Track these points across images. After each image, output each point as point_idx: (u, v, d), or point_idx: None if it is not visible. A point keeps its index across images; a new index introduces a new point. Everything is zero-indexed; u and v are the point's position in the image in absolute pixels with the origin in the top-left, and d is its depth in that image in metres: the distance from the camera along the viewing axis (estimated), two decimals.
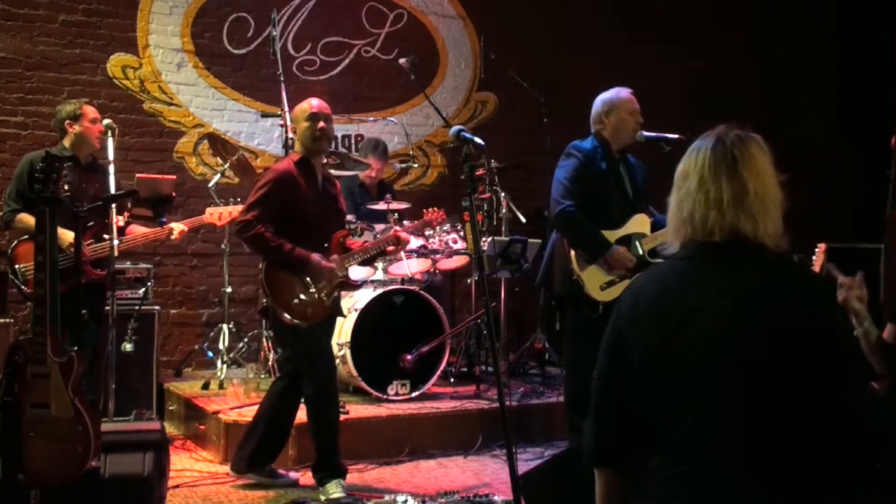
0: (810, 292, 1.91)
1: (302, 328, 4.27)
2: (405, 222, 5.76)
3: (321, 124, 4.36)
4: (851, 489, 1.78)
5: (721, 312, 1.84)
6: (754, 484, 1.76)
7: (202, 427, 5.33)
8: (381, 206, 5.79)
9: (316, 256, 4.29)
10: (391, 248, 4.71)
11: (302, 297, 4.28)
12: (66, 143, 4.98)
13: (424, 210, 5.49)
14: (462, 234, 5.77)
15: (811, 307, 1.86)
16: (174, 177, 6.05)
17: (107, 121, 4.85)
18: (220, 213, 5.37)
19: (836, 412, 1.80)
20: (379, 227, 5.67)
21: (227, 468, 4.81)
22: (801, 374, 1.78)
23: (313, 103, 4.42)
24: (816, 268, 5.57)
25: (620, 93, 4.57)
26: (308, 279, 4.28)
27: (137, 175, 5.91)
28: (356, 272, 5.35)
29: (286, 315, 4.27)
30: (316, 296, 4.30)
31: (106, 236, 4.53)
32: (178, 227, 5.07)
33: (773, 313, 1.83)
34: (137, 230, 5.04)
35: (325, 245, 4.41)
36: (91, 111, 5.01)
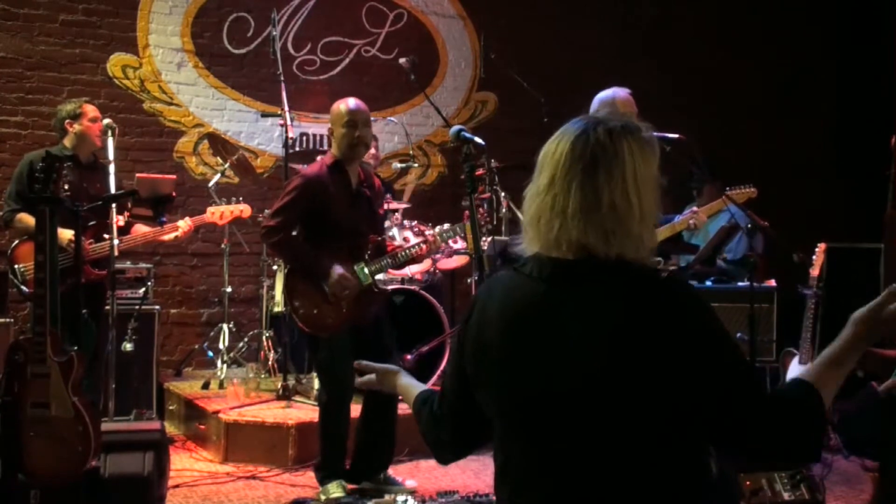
0: (678, 315, 1.59)
1: (322, 338, 4.25)
2: (405, 222, 5.76)
3: (358, 133, 4.24)
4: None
5: (577, 355, 1.59)
6: None
7: (202, 427, 5.33)
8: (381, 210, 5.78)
9: (338, 268, 4.19)
10: (422, 249, 4.56)
11: (321, 307, 4.22)
12: (67, 142, 4.98)
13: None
14: (462, 234, 5.77)
15: (682, 332, 1.57)
16: (174, 177, 6.05)
17: (107, 120, 4.85)
18: (222, 213, 5.37)
19: (732, 423, 1.58)
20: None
21: (227, 468, 4.81)
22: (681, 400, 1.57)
23: (351, 105, 4.27)
24: (816, 268, 5.58)
25: (618, 93, 4.54)
26: (327, 289, 4.20)
27: (137, 175, 5.91)
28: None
29: (303, 326, 4.25)
30: (335, 307, 4.22)
31: (106, 236, 4.53)
32: (184, 225, 5.06)
33: (636, 351, 1.56)
34: (141, 229, 5.04)
35: (360, 250, 4.31)
36: (91, 110, 5.00)
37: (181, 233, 5.07)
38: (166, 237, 5.06)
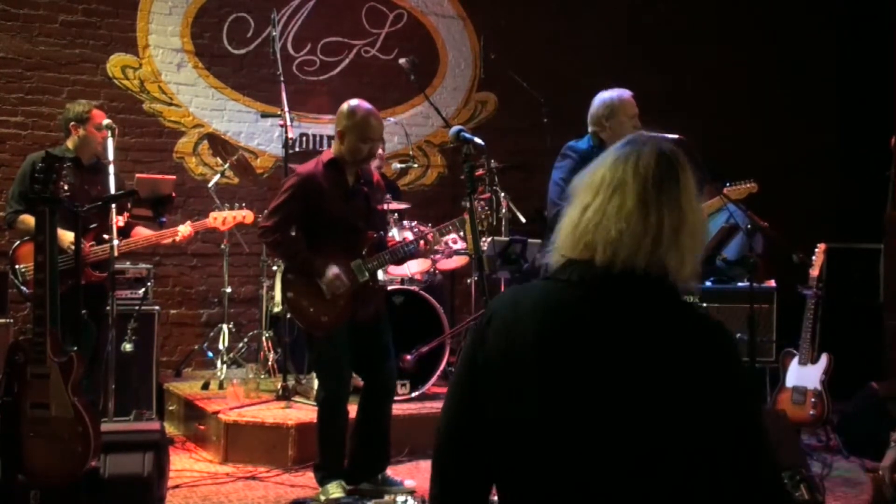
0: (712, 345, 1.59)
1: (317, 336, 4.25)
2: (405, 222, 5.76)
3: (370, 148, 4.23)
4: None
5: (617, 364, 1.56)
6: None
7: (202, 427, 5.33)
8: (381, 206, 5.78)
9: (333, 266, 4.18)
10: (421, 245, 4.51)
11: (318, 305, 4.22)
12: (70, 143, 4.97)
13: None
14: (462, 234, 5.77)
15: (714, 364, 1.57)
16: (174, 177, 6.03)
17: (106, 121, 4.84)
18: (224, 218, 5.36)
19: (738, 468, 1.56)
20: None
21: (226, 468, 4.81)
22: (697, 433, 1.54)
23: (370, 119, 4.21)
24: (816, 268, 5.58)
25: (622, 95, 4.50)
26: (324, 287, 4.20)
27: (137, 175, 5.90)
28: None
29: (300, 323, 4.24)
30: (332, 304, 4.21)
31: (106, 237, 4.53)
32: (184, 230, 5.04)
33: (675, 378, 1.55)
34: (142, 232, 5.03)
35: (357, 246, 4.29)
36: (98, 116, 4.94)
37: (181, 237, 5.04)
38: (166, 241, 5.04)
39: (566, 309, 1.63)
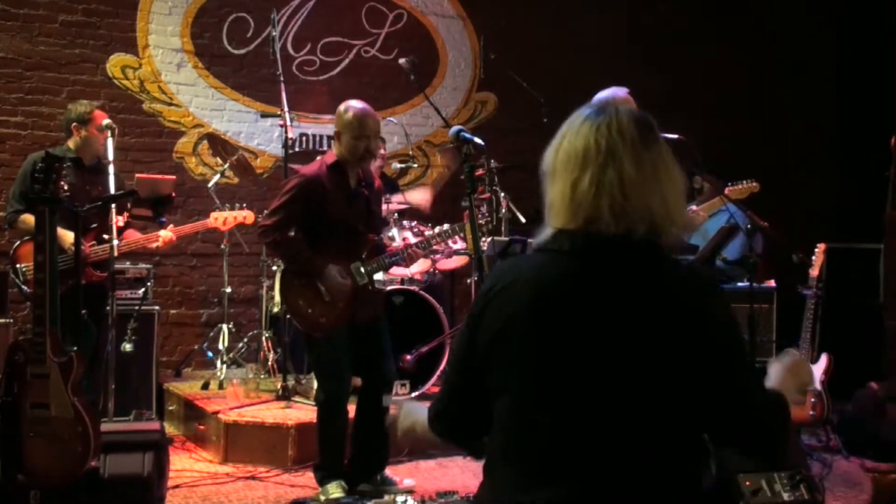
0: (707, 305, 1.67)
1: (316, 337, 4.25)
2: (405, 222, 5.76)
3: (367, 145, 4.23)
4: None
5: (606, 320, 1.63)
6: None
7: (202, 427, 5.33)
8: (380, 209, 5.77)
9: (333, 267, 4.19)
10: (416, 252, 4.53)
11: (317, 306, 4.21)
12: (71, 144, 4.97)
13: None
14: (462, 234, 5.77)
15: (709, 314, 1.66)
16: (174, 177, 6.04)
17: (106, 121, 4.84)
18: (225, 218, 5.36)
19: (730, 408, 1.65)
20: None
21: (226, 468, 4.81)
22: (690, 378, 1.62)
23: (362, 115, 4.20)
24: (816, 268, 5.58)
25: (617, 93, 4.54)
26: (324, 288, 4.20)
27: (137, 175, 5.91)
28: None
29: (299, 324, 4.24)
30: (331, 306, 4.21)
31: (107, 237, 4.53)
32: (165, 235, 5.01)
33: (665, 332, 1.62)
34: (134, 234, 5.02)
35: (357, 249, 4.29)
36: (100, 117, 4.92)
37: (162, 242, 5.01)
38: (152, 245, 5.02)
39: (558, 277, 1.67)
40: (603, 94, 4.54)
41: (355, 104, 4.30)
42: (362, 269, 4.27)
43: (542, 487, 1.64)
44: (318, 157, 4.44)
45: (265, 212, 4.37)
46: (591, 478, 1.63)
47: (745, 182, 4.82)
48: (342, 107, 4.30)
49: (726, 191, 4.80)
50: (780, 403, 1.74)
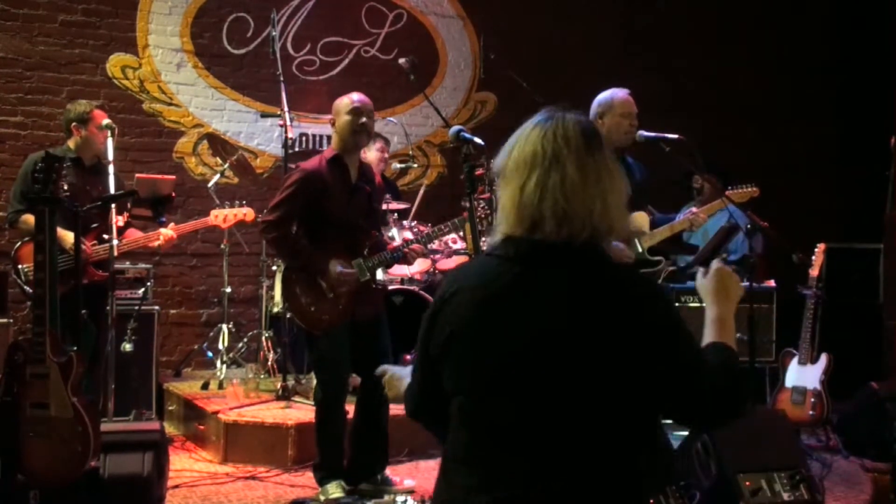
0: (641, 302, 1.72)
1: (317, 335, 4.25)
2: (405, 222, 5.76)
3: (363, 119, 4.24)
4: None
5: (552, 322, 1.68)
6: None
7: (202, 427, 5.33)
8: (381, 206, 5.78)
9: (335, 263, 4.20)
10: (416, 247, 4.53)
11: (318, 303, 4.21)
12: (72, 144, 4.97)
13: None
14: (462, 233, 5.77)
15: (651, 313, 1.71)
16: (174, 177, 6.04)
17: (106, 121, 4.84)
18: (225, 216, 5.36)
19: (678, 395, 1.70)
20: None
21: (226, 468, 4.81)
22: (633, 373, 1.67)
23: (354, 98, 4.28)
24: (816, 268, 5.58)
25: (616, 94, 4.55)
26: (325, 285, 4.20)
27: (137, 175, 5.91)
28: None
29: (300, 322, 4.24)
30: (333, 303, 4.21)
31: (107, 237, 4.53)
32: (166, 233, 5.01)
33: (599, 330, 1.67)
34: (134, 234, 5.02)
35: (358, 245, 4.29)
36: (100, 116, 4.92)
37: (163, 240, 5.00)
38: (153, 244, 5.02)
39: (503, 282, 1.73)
40: (603, 95, 4.55)
41: (347, 94, 4.36)
42: (364, 265, 4.27)
43: (496, 487, 1.69)
44: (319, 154, 4.45)
45: (267, 208, 4.37)
46: (542, 477, 1.67)
47: (745, 186, 4.82)
48: (336, 100, 4.36)
49: (726, 193, 4.79)
50: (728, 364, 1.79)
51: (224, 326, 6.15)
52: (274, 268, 6.08)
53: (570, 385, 1.67)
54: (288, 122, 5.61)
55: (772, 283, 6.05)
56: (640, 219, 4.57)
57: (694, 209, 4.79)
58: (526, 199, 1.72)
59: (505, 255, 1.76)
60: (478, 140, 3.07)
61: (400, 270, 5.86)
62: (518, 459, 1.69)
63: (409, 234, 5.62)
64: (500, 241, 1.78)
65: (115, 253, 4.47)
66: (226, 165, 6.06)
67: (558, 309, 1.68)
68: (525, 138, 1.79)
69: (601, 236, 1.73)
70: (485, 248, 5.80)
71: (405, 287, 5.66)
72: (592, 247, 1.72)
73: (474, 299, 1.75)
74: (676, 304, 5.93)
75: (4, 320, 5.38)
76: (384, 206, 5.73)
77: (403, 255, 4.47)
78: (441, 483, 1.82)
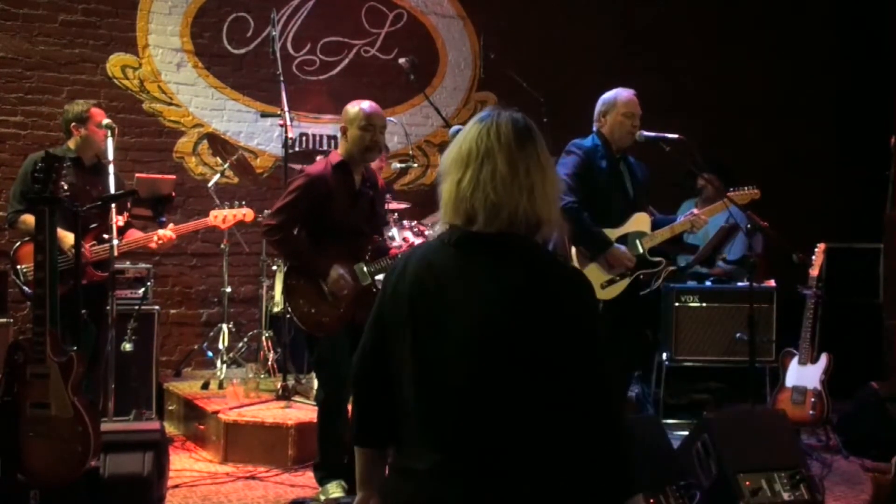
0: (570, 286, 1.84)
1: (317, 337, 4.25)
2: (405, 222, 5.75)
3: (374, 137, 4.23)
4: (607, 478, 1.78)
5: (482, 305, 1.78)
6: (483, 483, 1.74)
7: (202, 427, 5.33)
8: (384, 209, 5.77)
9: (337, 267, 4.20)
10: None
11: (319, 306, 4.21)
12: (72, 144, 4.97)
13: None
14: None
15: (572, 302, 1.81)
16: (174, 177, 6.04)
17: (106, 121, 4.84)
18: (225, 217, 5.35)
19: (586, 402, 1.78)
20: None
21: (226, 468, 4.81)
22: (553, 368, 1.76)
23: (368, 109, 4.24)
24: (816, 268, 5.58)
25: (620, 94, 4.58)
26: (326, 289, 4.20)
27: (137, 175, 5.90)
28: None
29: (300, 324, 4.25)
30: (334, 306, 4.22)
31: (106, 237, 4.53)
32: (164, 233, 4.99)
33: (535, 309, 1.77)
34: (134, 234, 5.02)
35: (361, 250, 4.29)
36: (98, 114, 4.93)
37: (163, 239, 5.00)
38: (152, 243, 5.01)
39: (437, 265, 1.85)
40: (607, 95, 4.60)
41: (363, 101, 4.33)
42: (366, 270, 4.27)
43: (440, 467, 1.77)
44: (322, 158, 4.44)
45: (268, 211, 4.36)
46: (480, 458, 1.75)
47: (746, 188, 4.82)
48: (349, 104, 4.32)
49: (727, 195, 4.79)
50: (615, 377, 2.00)
51: (224, 326, 6.15)
52: (274, 268, 6.08)
53: (496, 368, 1.76)
54: (288, 122, 5.61)
55: (772, 283, 6.05)
56: (642, 219, 4.57)
57: (695, 210, 4.79)
58: (461, 192, 1.83)
59: (447, 241, 1.87)
60: None
61: None
62: (452, 440, 1.77)
63: (409, 234, 5.62)
64: (446, 230, 1.90)
65: (118, 252, 4.47)
66: (226, 165, 6.06)
67: (488, 297, 1.78)
68: (464, 136, 1.89)
69: (531, 227, 1.82)
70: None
71: None
72: (522, 238, 1.82)
73: (415, 280, 1.85)
74: (676, 304, 5.95)
75: (4, 320, 5.38)
76: (385, 206, 5.73)
77: None
78: (392, 464, 1.92)
